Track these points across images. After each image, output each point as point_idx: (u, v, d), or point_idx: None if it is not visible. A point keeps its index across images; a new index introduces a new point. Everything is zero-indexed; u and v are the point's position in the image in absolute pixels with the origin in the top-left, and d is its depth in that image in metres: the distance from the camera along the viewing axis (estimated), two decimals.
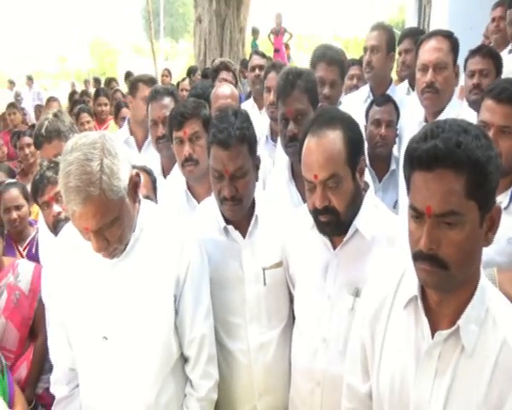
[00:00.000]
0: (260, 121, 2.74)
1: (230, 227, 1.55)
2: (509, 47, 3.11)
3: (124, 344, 1.34)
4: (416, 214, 0.93)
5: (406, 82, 2.94)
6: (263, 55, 3.65)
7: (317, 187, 1.31)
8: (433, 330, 0.99)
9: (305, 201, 1.63)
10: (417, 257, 0.94)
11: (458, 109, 2.01)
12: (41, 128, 2.28)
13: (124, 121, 3.77)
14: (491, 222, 0.93)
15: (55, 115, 2.33)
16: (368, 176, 1.78)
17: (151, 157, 2.44)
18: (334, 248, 1.41)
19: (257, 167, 1.57)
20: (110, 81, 7.05)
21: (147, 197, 1.64)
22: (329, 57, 2.29)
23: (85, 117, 4.18)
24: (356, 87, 3.22)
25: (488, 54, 2.44)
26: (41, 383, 2.15)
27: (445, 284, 0.94)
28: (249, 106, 3.25)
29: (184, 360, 1.47)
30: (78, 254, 1.37)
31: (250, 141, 1.51)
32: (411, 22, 7.10)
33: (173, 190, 1.99)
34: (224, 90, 2.56)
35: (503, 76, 2.35)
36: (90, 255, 1.30)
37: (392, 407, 1.05)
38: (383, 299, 1.09)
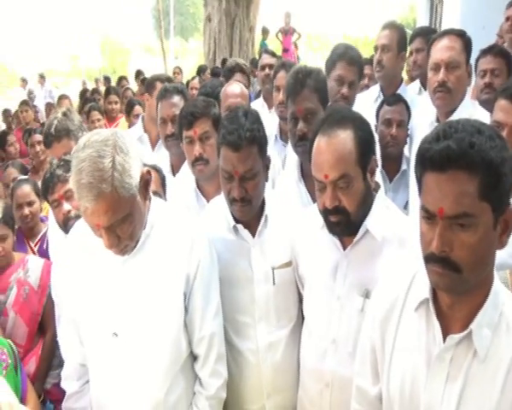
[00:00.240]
0: (270, 120, 2.73)
1: (240, 226, 1.55)
2: None
3: (134, 341, 1.35)
4: (428, 216, 0.92)
5: (418, 81, 2.92)
6: (273, 54, 3.63)
7: (328, 187, 1.30)
8: (445, 333, 0.97)
9: (314, 200, 1.62)
10: (429, 259, 0.92)
11: (471, 109, 1.99)
12: (50, 127, 2.30)
13: (137, 119, 3.80)
14: (505, 224, 0.92)
15: (65, 114, 2.35)
16: (378, 176, 1.77)
17: (164, 155, 2.45)
18: (344, 248, 1.40)
19: (267, 168, 1.56)
20: (121, 80, 7.12)
21: (155, 193, 1.65)
22: (350, 57, 2.27)
23: (96, 115, 4.22)
24: (366, 87, 3.20)
25: (499, 53, 2.41)
26: (50, 378, 2.17)
27: (458, 287, 0.92)
28: (259, 105, 3.24)
29: (194, 358, 1.47)
30: (89, 251, 1.37)
31: (260, 142, 1.50)
32: (422, 21, 7.04)
33: (182, 188, 2.00)
34: (233, 88, 2.55)
35: None
36: (101, 252, 1.31)
37: None
38: (394, 301, 1.08)
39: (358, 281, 1.37)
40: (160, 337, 1.36)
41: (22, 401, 1.52)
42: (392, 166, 2.39)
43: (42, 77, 11.42)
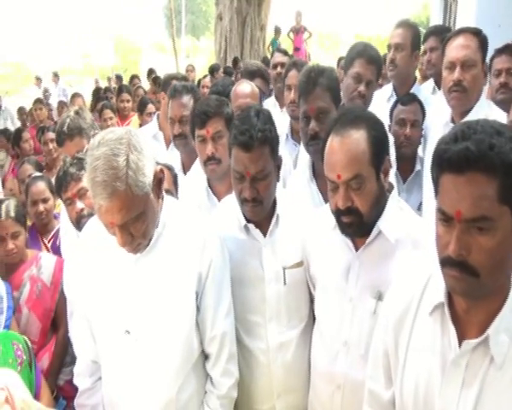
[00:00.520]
0: (281, 120, 2.72)
1: (251, 226, 1.54)
2: None
3: (146, 339, 1.36)
4: (445, 218, 0.90)
5: (432, 80, 2.88)
6: (285, 53, 3.62)
7: (340, 187, 1.29)
8: (461, 338, 0.95)
9: (325, 200, 1.61)
10: (445, 263, 0.91)
11: (487, 109, 1.95)
12: (63, 126, 2.32)
13: (149, 117, 3.82)
14: None
15: (77, 113, 2.37)
16: (392, 177, 1.74)
17: (176, 154, 2.46)
18: (357, 249, 1.39)
19: (278, 168, 1.55)
20: (133, 78, 7.18)
21: (168, 191, 1.65)
22: (369, 55, 2.23)
23: (108, 113, 4.25)
24: (379, 86, 3.17)
25: None
26: (62, 375, 2.19)
27: (475, 292, 0.90)
28: (271, 104, 3.23)
29: (205, 357, 1.47)
30: (102, 249, 1.38)
31: (272, 142, 1.49)
32: (436, 20, 6.95)
33: (194, 186, 2.00)
34: (243, 88, 2.54)
35: None
36: (114, 250, 1.32)
37: None
38: (408, 304, 1.06)
39: (371, 283, 1.35)
40: (172, 336, 1.36)
41: (36, 397, 1.54)
42: (406, 166, 2.36)
43: (56, 75, 11.53)
